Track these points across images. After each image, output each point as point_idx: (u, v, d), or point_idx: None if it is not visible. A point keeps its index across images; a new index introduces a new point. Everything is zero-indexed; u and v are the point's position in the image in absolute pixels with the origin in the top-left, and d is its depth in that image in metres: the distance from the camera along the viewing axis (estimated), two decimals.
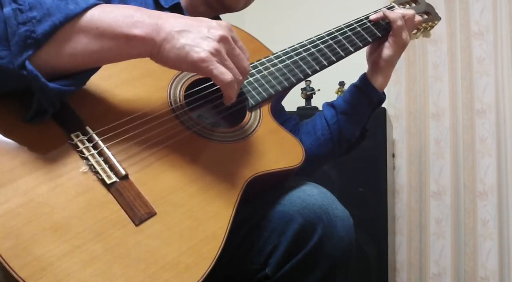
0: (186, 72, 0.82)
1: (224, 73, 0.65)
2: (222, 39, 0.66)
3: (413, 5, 1.13)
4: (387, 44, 1.02)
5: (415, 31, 1.12)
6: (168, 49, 0.64)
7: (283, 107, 1.15)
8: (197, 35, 0.64)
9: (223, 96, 0.70)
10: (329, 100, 2.60)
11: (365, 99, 1.05)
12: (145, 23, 0.63)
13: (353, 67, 1.95)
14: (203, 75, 0.68)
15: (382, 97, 1.06)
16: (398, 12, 1.02)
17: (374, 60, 1.05)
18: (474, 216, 2.20)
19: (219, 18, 1.07)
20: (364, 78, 1.06)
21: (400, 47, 1.02)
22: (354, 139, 1.06)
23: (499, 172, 2.18)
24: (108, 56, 0.65)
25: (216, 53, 0.64)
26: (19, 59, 0.57)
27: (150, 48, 0.64)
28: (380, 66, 1.03)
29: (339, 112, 1.05)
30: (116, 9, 0.64)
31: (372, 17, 1.03)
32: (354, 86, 1.07)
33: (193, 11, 0.99)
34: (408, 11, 1.03)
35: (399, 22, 1.00)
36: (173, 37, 0.64)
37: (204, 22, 0.67)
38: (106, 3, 0.68)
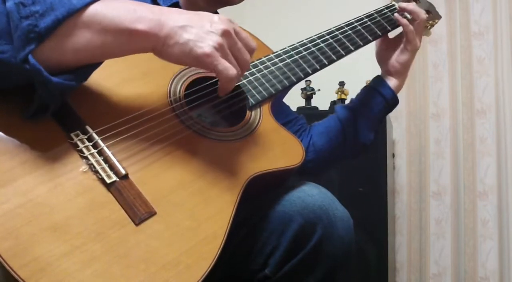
0: (186, 71, 0.82)
1: (228, 68, 0.65)
2: (225, 34, 0.66)
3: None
4: (403, 50, 1.05)
5: None
6: (172, 44, 0.64)
7: (288, 106, 1.15)
8: (200, 30, 0.65)
9: (218, 87, 0.70)
10: (329, 100, 2.58)
11: (380, 100, 1.06)
12: (148, 18, 0.63)
13: (353, 67, 1.96)
14: (207, 70, 0.68)
15: (397, 99, 1.08)
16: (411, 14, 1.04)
17: (391, 64, 1.07)
18: (474, 216, 2.20)
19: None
20: (380, 79, 1.08)
21: (415, 51, 1.06)
22: (369, 143, 1.07)
23: (499, 172, 2.18)
24: (111, 51, 0.65)
25: (219, 48, 0.65)
26: (21, 53, 0.57)
27: (153, 43, 0.64)
28: (397, 70, 1.06)
29: (354, 115, 1.06)
30: (119, 4, 0.64)
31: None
32: (370, 87, 1.08)
33: (192, 9, 0.99)
34: (420, 15, 1.04)
35: (410, 27, 1.03)
36: (176, 32, 0.64)
37: (206, 17, 0.67)
38: None
